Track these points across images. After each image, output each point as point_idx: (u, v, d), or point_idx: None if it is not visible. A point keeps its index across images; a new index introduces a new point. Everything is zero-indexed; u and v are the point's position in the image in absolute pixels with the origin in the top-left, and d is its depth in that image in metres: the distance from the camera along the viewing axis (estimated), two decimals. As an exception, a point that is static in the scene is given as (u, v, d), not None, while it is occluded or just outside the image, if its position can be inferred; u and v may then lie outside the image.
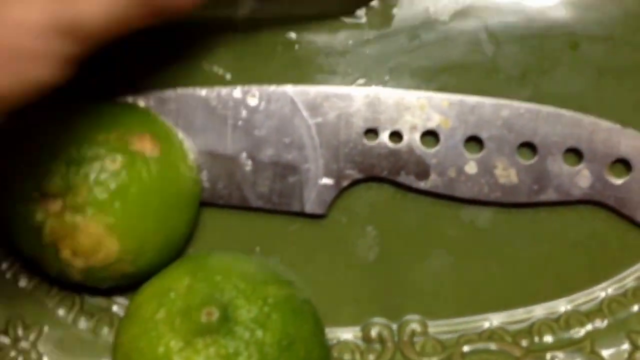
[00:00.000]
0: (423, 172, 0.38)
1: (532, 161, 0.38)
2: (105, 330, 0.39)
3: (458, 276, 0.39)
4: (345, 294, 0.39)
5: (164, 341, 0.32)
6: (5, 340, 0.38)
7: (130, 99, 0.39)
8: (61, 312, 0.39)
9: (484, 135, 0.38)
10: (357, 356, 0.38)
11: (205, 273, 0.34)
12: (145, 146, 0.36)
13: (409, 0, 0.40)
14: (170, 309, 0.33)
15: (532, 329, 0.38)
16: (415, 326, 0.38)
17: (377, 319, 0.39)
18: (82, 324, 0.39)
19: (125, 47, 0.35)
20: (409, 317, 0.39)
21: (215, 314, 0.32)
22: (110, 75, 0.39)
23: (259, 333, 0.32)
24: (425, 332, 0.38)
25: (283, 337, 0.33)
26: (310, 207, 0.39)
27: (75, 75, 0.29)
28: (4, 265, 0.39)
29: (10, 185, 0.35)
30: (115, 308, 0.39)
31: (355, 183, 0.39)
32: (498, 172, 0.38)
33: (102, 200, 0.34)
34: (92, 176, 0.34)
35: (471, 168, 0.38)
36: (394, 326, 0.38)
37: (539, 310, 0.38)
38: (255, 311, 0.33)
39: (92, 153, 0.34)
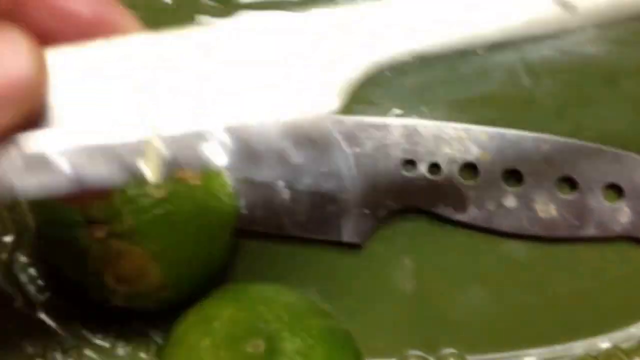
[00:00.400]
0: (461, 204, 0.38)
1: (571, 196, 0.38)
2: (142, 355, 0.38)
3: (496, 310, 0.38)
4: (382, 325, 0.39)
5: (209, 371, 0.32)
6: (43, 365, 0.38)
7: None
8: (99, 336, 0.39)
9: (523, 169, 0.38)
10: (395, 388, 0.38)
11: (248, 303, 0.34)
12: (188, 175, 0.36)
13: (448, 32, 0.40)
14: (215, 338, 0.33)
15: (571, 364, 0.38)
16: None
17: (414, 352, 0.39)
18: (120, 349, 0.39)
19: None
20: (446, 350, 0.38)
21: (262, 346, 0.32)
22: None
23: (304, 365, 0.32)
24: (462, 366, 0.38)
25: (326, 367, 0.33)
26: (347, 237, 0.39)
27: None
28: (41, 289, 0.39)
29: (56, 210, 0.35)
30: (152, 333, 0.39)
31: (392, 214, 0.39)
32: (538, 206, 0.38)
33: (146, 227, 0.34)
34: (137, 203, 0.34)
35: (510, 202, 0.38)
36: (432, 359, 0.38)
37: (579, 347, 0.38)
38: (299, 343, 0.33)
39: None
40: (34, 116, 0.21)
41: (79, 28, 0.23)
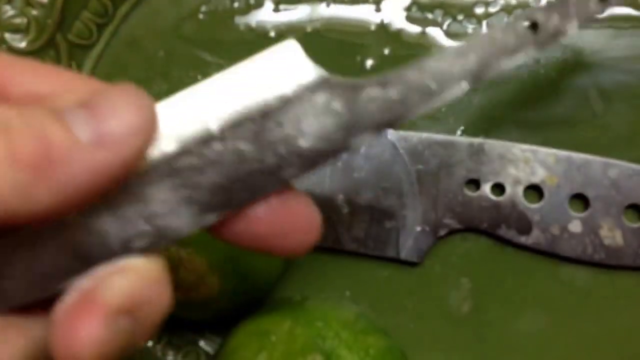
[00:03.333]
0: (525, 227, 0.38)
1: (638, 224, 0.37)
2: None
3: (554, 336, 0.38)
4: (435, 345, 0.38)
5: (266, 386, 0.31)
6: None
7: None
8: (149, 344, 0.38)
9: (590, 194, 0.37)
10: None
11: (305, 318, 0.34)
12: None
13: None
14: (272, 352, 0.32)
15: (629, 396, 0.37)
16: (508, 384, 0.37)
17: (467, 374, 0.38)
18: (170, 357, 0.38)
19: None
20: (501, 374, 0.38)
21: (319, 363, 0.31)
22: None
23: (362, 384, 0.32)
24: (518, 391, 0.37)
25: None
26: (405, 254, 0.38)
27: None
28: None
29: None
30: (202, 343, 0.39)
31: (452, 233, 0.39)
32: (603, 232, 0.37)
33: (206, 237, 0.34)
34: (199, 212, 0.34)
35: (575, 227, 0.37)
36: (485, 382, 0.38)
37: (638, 378, 0.37)
38: (357, 361, 0.32)
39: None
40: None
41: None
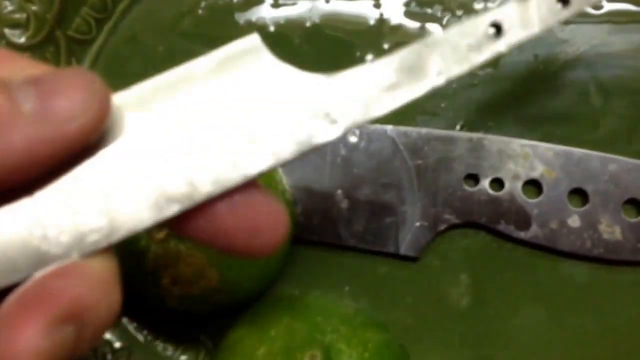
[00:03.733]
0: (524, 222, 0.38)
1: (637, 219, 0.37)
2: (192, 357, 0.38)
3: (553, 331, 0.38)
4: (434, 339, 0.38)
5: (265, 380, 0.32)
6: (93, 363, 0.38)
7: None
8: (149, 338, 0.39)
9: (589, 188, 0.37)
10: (444, 404, 0.38)
11: (305, 313, 0.34)
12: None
13: (518, 47, 0.40)
14: (271, 347, 0.32)
15: (627, 391, 0.37)
16: (507, 379, 0.38)
17: (467, 368, 0.38)
18: (169, 352, 0.38)
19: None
20: (500, 368, 0.38)
21: (319, 357, 0.31)
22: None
23: (361, 379, 0.32)
24: (517, 386, 0.37)
25: (381, 381, 0.32)
26: (404, 249, 0.38)
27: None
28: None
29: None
30: (202, 337, 0.39)
31: (451, 228, 0.39)
32: (602, 227, 0.37)
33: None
34: (198, 207, 0.34)
35: (574, 221, 0.37)
36: (484, 377, 0.38)
37: (637, 373, 0.37)
38: (356, 356, 0.32)
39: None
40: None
41: None
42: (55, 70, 0.22)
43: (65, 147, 0.21)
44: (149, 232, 0.34)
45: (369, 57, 0.41)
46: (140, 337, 0.39)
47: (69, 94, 0.21)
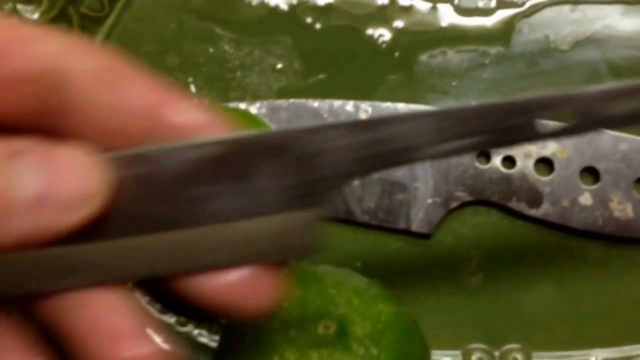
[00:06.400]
0: (535, 199, 0.38)
1: (649, 197, 0.37)
2: (204, 333, 0.38)
3: (564, 308, 0.38)
4: (446, 316, 0.39)
5: (279, 350, 0.32)
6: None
7: (243, 105, 0.39)
8: (162, 313, 0.39)
9: (600, 167, 0.37)
10: (457, 381, 0.38)
11: (318, 285, 0.34)
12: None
13: (529, 26, 0.40)
14: (285, 319, 0.32)
15: (639, 367, 0.37)
16: (518, 355, 0.38)
17: (478, 345, 0.38)
18: (181, 325, 0.39)
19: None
20: (511, 345, 0.38)
21: (332, 327, 0.32)
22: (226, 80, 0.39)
23: (374, 350, 0.32)
24: (528, 363, 0.38)
25: (397, 356, 0.32)
26: (416, 226, 0.39)
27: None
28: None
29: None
30: (213, 313, 0.39)
31: (463, 205, 0.39)
32: (613, 205, 0.37)
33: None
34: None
35: (586, 199, 0.37)
36: (496, 353, 0.38)
37: (648, 349, 0.37)
38: (369, 328, 0.32)
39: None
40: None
41: (135, 122, 0.22)
42: (59, 148, 0.21)
43: (63, 235, 0.20)
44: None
45: (381, 38, 0.41)
46: (152, 310, 0.39)
47: (72, 180, 0.20)
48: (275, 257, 0.22)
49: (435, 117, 0.21)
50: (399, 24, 0.41)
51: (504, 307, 0.38)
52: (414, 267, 0.39)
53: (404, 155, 0.22)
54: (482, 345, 0.38)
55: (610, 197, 0.37)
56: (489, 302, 0.38)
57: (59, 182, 0.20)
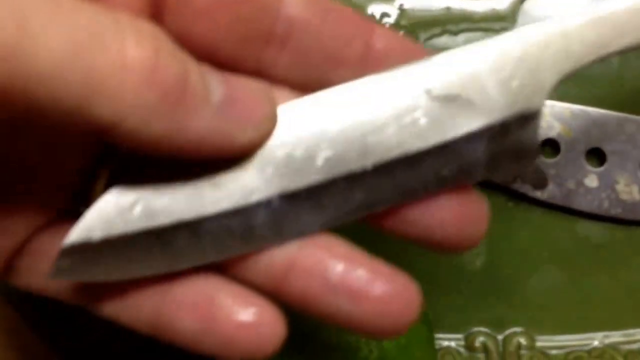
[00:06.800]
0: (541, 181, 0.37)
1: (655, 179, 0.37)
2: None
3: (569, 291, 0.37)
4: (448, 300, 0.38)
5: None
6: None
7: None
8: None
9: (606, 148, 0.37)
10: (460, 364, 0.37)
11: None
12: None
13: (534, 7, 0.39)
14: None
15: (644, 351, 0.37)
16: (522, 339, 0.37)
17: (481, 328, 0.38)
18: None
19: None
20: (515, 329, 0.37)
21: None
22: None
23: (378, 331, 0.31)
24: (532, 346, 0.37)
25: (401, 337, 0.32)
26: (419, 209, 0.38)
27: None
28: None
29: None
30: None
31: (467, 188, 0.38)
32: (619, 187, 0.37)
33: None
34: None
35: (592, 181, 0.37)
36: (499, 337, 0.37)
37: (652, 332, 0.37)
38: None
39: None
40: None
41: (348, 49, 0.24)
42: (242, 79, 0.22)
43: (225, 153, 0.21)
44: None
45: (384, 15, 0.40)
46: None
47: (251, 106, 0.22)
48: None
49: None
50: (403, 3, 0.40)
51: (507, 290, 0.38)
52: (416, 250, 0.38)
53: None
54: (485, 329, 0.38)
55: (616, 179, 0.37)
56: (492, 285, 0.38)
57: (241, 98, 0.21)
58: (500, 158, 0.23)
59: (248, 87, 0.22)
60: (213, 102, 0.20)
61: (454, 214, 0.24)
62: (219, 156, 0.21)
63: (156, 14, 0.22)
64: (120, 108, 0.19)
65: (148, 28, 0.20)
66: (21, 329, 0.38)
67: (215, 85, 0.21)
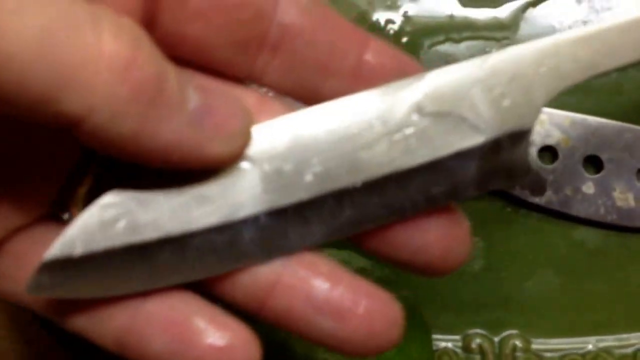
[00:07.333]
0: (539, 187, 0.38)
1: (651, 187, 0.37)
2: None
3: (564, 296, 0.38)
4: (446, 302, 0.39)
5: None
6: None
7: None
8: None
9: (604, 156, 0.38)
10: (456, 365, 0.38)
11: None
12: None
13: (535, 15, 0.40)
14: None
15: (637, 355, 0.37)
16: (518, 341, 0.38)
17: (477, 330, 0.38)
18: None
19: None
20: (511, 331, 0.38)
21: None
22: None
23: (376, 330, 0.32)
24: (527, 349, 0.38)
25: (399, 337, 0.32)
26: (419, 212, 0.39)
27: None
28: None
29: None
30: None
31: (466, 192, 0.39)
32: (616, 194, 0.38)
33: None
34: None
35: (589, 188, 0.38)
36: (496, 339, 0.38)
37: (646, 337, 0.38)
38: (372, 308, 0.33)
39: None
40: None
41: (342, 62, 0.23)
42: (221, 89, 0.22)
43: (192, 164, 0.21)
44: None
45: (388, 22, 0.41)
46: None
47: (226, 118, 0.21)
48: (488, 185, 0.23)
49: None
50: (407, 10, 0.41)
51: (504, 293, 0.38)
52: (416, 252, 0.39)
53: None
54: (482, 331, 0.38)
55: (612, 186, 0.37)
56: (489, 288, 0.39)
57: (217, 109, 0.21)
58: (491, 176, 0.23)
59: (225, 99, 0.21)
60: (188, 109, 0.20)
61: (440, 237, 0.23)
62: (185, 166, 0.21)
63: (150, 12, 0.22)
64: (90, 101, 0.18)
65: (128, 24, 0.19)
66: (28, 323, 0.38)
67: (192, 92, 0.20)
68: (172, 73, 0.20)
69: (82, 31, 0.18)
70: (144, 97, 0.19)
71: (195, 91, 0.20)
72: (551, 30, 0.40)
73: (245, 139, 0.22)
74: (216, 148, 0.21)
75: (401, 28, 0.41)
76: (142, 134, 0.19)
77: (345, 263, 0.33)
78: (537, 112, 0.23)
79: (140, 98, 0.19)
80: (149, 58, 0.19)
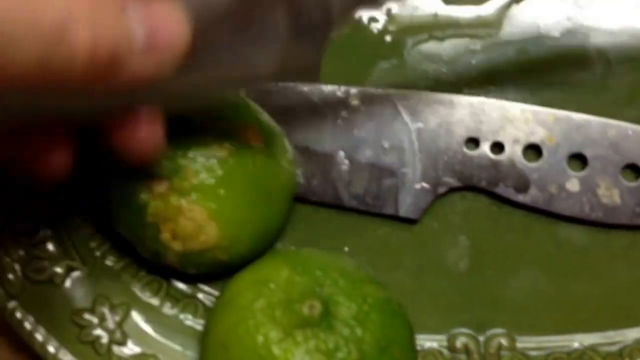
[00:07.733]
0: (523, 185, 0.38)
1: (636, 183, 0.37)
2: (189, 317, 0.38)
3: (550, 294, 0.38)
4: (431, 301, 0.39)
5: (263, 331, 0.32)
6: (92, 318, 0.38)
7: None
8: (147, 295, 0.39)
9: (588, 153, 0.37)
10: (442, 365, 0.38)
11: (304, 267, 0.34)
12: (250, 137, 0.36)
13: (519, 13, 0.40)
14: (270, 299, 0.33)
15: (622, 353, 0.37)
16: (503, 340, 0.38)
17: (463, 330, 0.38)
18: (167, 308, 0.39)
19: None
20: (496, 330, 0.38)
21: (318, 308, 0.32)
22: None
23: (359, 331, 0.32)
24: (513, 347, 0.38)
25: (381, 338, 0.32)
26: (404, 212, 0.39)
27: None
28: (93, 244, 0.39)
29: (117, 163, 0.35)
30: (200, 296, 0.39)
31: (451, 191, 0.39)
32: (600, 191, 0.37)
33: (207, 185, 0.34)
34: (201, 161, 0.34)
35: (573, 185, 0.38)
36: (481, 338, 0.38)
37: (631, 334, 0.37)
38: (355, 309, 0.33)
39: (202, 139, 0.34)
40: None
41: None
42: (153, 2, 0.23)
43: (167, 75, 0.24)
44: (149, 185, 0.34)
45: (371, 20, 0.41)
46: (139, 294, 0.39)
47: (168, 28, 0.23)
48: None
49: None
50: (391, 8, 0.41)
51: (489, 292, 0.38)
52: (401, 252, 0.39)
53: None
54: (467, 330, 0.38)
55: (597, 183, 0.37)
56: (474, 287, 0.38)
57: (161, 30, 0.23)
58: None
59: (167, 11, 0.23)
60: (137, 48, 0.22)
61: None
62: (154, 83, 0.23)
63: None
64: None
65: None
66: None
67: (139, 27, 0.22)
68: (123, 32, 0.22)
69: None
70: (100, 74, 0.22)
71: (139, 19, 0.22)
72: (535, 28, 0.40)
73: (189, 34, 0.24)
74: (176, 56, 0.24)
75: (385, 26, 0.41)
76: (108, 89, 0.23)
77: (327, 265, 0.33)
78: None
79: (98, 76, 0.22)
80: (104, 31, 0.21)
